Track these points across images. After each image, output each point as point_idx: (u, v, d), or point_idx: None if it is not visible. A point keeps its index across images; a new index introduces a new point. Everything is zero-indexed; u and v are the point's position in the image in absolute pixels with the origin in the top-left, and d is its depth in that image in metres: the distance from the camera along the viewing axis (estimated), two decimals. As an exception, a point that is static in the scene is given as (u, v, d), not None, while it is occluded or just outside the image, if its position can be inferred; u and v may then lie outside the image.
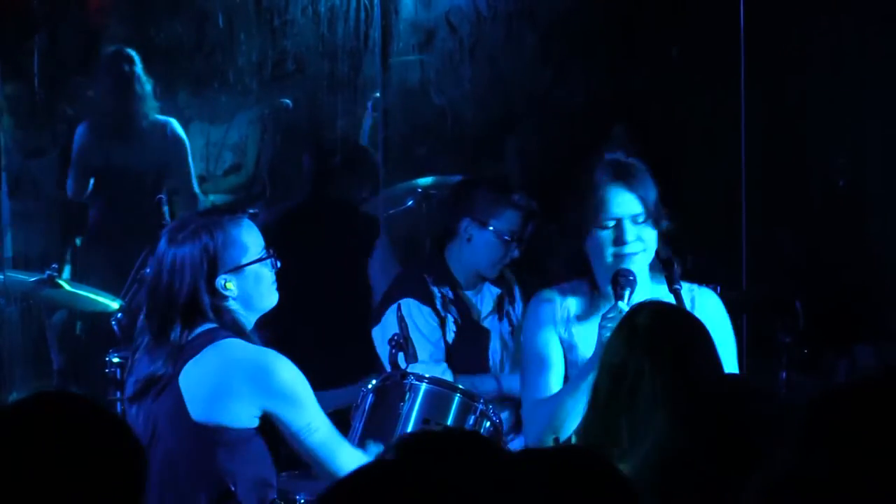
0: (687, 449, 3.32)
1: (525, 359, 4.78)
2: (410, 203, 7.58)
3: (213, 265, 4.19)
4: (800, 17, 7.47)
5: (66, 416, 2.60)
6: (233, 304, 4.21)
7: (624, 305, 4.41)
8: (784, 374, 6.27)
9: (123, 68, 7.69)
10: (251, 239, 4.27)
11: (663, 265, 4.54)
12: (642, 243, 4.57)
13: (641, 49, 8.06)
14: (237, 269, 4.18)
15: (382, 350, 5.42)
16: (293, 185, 8.15)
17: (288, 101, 8.44)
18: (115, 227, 7.61)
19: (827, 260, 7.52)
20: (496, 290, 5.74)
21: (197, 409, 4.20)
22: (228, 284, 4.19)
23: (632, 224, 4.55)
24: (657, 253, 4.61)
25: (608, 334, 4.12)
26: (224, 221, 4.24)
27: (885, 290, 7.12)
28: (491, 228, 5.58)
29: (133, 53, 7.76)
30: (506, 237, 5.58)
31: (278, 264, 4.31)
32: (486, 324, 5.71)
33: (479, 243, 5.61)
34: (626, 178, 4.59)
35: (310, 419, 4.20)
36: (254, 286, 4.23)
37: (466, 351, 5.64)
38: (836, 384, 3.38)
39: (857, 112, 7.46)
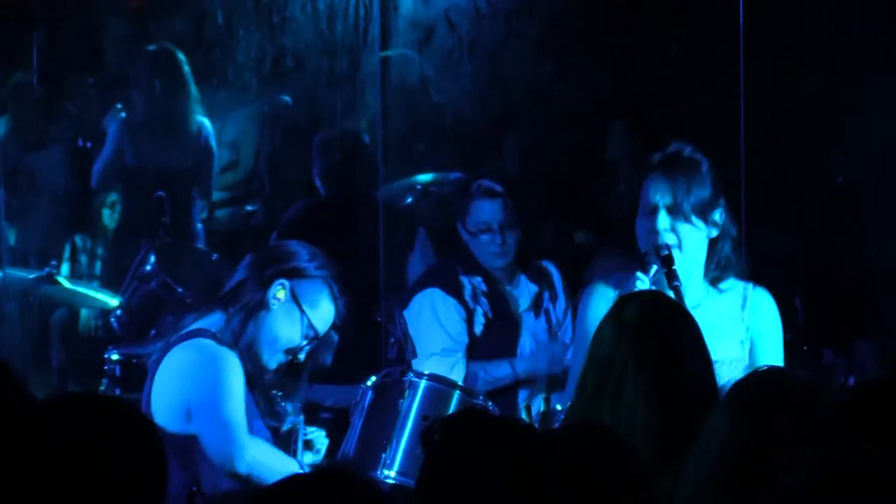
0: (668, 447, 3.32)
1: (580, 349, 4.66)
2: (409, 200, 7.57)
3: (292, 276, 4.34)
4: (799, 15, 7.47)
5: (94, 417, 2.59)
6: (262, 322, 4.31)
7: (644, 279, 4.33)
8: (783, 371, 6.26)
9: (174, 67, 7.62)
10: (319, 314, 4.41)
11: (662, 262, 4.40)
12: (675, 237, 4.41)
13: (641, 46, 8.06)
14: (301, 311, 4.33)
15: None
16: (292, 182, 8.14)
17: (287, 97, 8.43)
18: (145, 224, 7.58)
19: (826, 256, 7.52)
20: (534, 287, 5.75)
21: None
22: (280, 293, 4.30)
23: (666, 214, 4.41)
24: (656, 249, 4.40)
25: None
26: (321, 281, 4.40)
27: (884, 287, 7.12)
28: (467, 227, 5.65)
29: (179, 52, 7.71)
30: (481, 228, 5.62)
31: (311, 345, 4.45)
32: (521, 318, 5.73)
33: (471, 243, 5.68)
34: (667, 167, 4.44)
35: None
36: (284, 328, 4.36)
37: (494, 344, 5.64)
38: (865, 380, 3.32)
39: (856, 109, 7.47)
